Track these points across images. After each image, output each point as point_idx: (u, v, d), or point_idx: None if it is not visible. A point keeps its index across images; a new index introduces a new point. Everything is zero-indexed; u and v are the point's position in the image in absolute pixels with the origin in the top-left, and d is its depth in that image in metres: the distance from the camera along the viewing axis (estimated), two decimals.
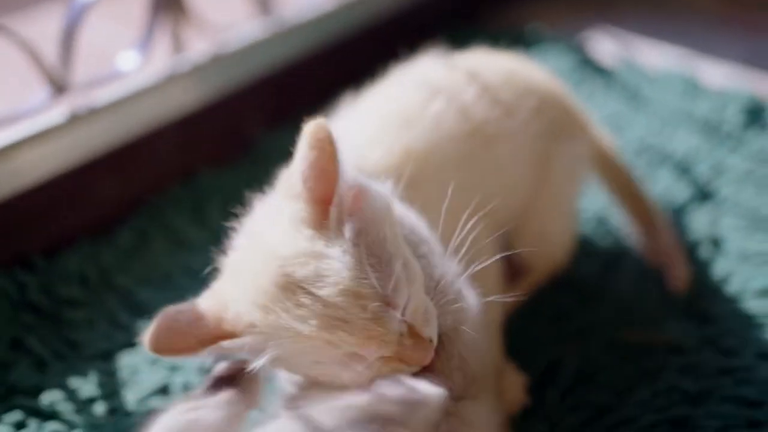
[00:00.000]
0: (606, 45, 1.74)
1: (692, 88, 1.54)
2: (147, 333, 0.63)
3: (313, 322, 0.59)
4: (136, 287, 1.08)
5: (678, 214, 1.21)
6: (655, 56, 1.68)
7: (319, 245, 0.61)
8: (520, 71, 1.00)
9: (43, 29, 1.20)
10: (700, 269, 1.10)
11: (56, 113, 1.11)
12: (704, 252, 1.13)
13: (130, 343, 0.99)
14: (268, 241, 0.63)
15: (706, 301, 1.05)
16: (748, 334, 0.99)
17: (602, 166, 1.10)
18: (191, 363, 0.95)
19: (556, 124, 0.98)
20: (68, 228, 1.13)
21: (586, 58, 1.65)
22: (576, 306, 1.04)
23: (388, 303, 0.60)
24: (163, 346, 0.62)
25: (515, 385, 0.89)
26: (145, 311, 1.04)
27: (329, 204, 0.62)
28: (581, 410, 0.90)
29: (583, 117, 1.06)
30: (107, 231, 1.17)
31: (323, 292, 0.59)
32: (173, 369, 0.95)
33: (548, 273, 1.05)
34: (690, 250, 1.13)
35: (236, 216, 0.70)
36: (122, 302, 1.06)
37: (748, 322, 1.01)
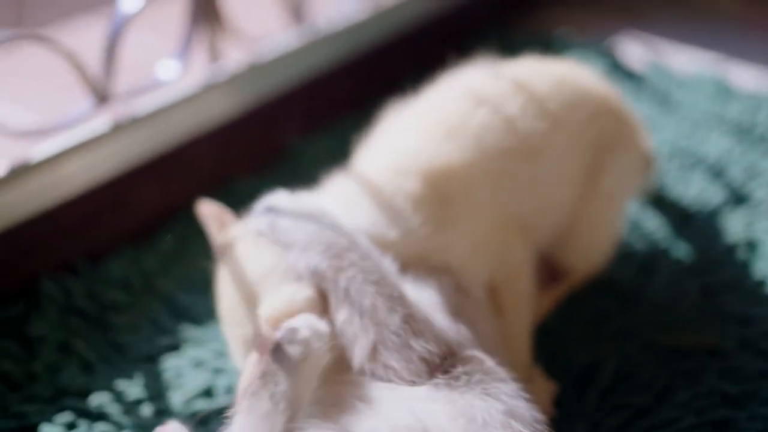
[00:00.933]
0: (634, 49, 1.74)
1: (723, 91, 1.54)
2: None
3: None
4: (177, 292, 1.10)
5: (712, 217, 1.21)
6: (683, 60, 1.68)
7: None
8: (571, 79, 0.98)
9: (84, 39, 1.23)
10: (737, 272, 1.10)
11: (99, 123, 1.14)
12: (741, 255, 1.13)
13: (173, 347, 1.01)
14: None
15: (743, 304, 1.05)
16: None
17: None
18: (235, 366, 0.97)
19: (608, 135, 0.98)
20: (111, 234, 1.16)
21: (616, 63, 1.66)
22: (613, 308, 1.05)
23: None
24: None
25: (543, 393, 0.89)
26: (187, 315, 1.06)
27: None
28: (621, 411, 0.90)
29: (636, 125, 1.05)
30: (149, 237, 1.19)
31: None
32: (217, 372, 0.97)
33: (587, 277, 1.06)
34: (726, 253, 1.13)
35: None
36: (165, 307, 1.08)
37: None
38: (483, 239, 0.87)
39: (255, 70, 1.33)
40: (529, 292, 0.92)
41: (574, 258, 1.03)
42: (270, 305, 0.75)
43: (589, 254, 1.04)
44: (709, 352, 0.98)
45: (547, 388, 0.89)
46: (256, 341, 0.70)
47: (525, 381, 0.85)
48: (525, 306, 0.91)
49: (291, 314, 0.72)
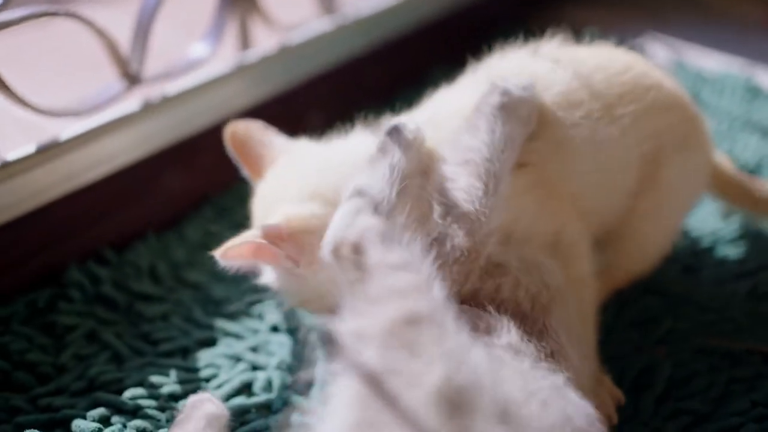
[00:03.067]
0: (658, 51, 1.72)
1: (752, 92, 1.52)
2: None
3: None
4: (209, 282, 1.05)
5: (751, 217, 1.19)
6: (707, 64, 1.66)
7: None
8: (640, 68, 0.96)
9: (116, 17, 1.18)
10: None
11: (129, 103, 1.09)
12: None
13: (208, 341, 0.97)
14: None
15: None
16: None
17: (719, 183, 1.08)
18: (273, 362, 0.93)
19: (675, 132, 0.95)
20: (138, 220, 1.11)
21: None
22: (661, 310, 1.02)
23: None
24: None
25: (609, 400, 0.85)
26: (221, 307, 1.02)
27: None
28: (680, 417, 0.87)
29: (705, 128, 1.02)
30: (175, 224, 1.14)
31: None
32: (254, 368, 0.93)
33: (637, 277, 1.03)
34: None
35: None
36: (197, 298, 1.03)
37: None
38: (535, 207, 0.84)
39: (284, 55, 1.28)
40: (590, 282, 0.88)
41: (626, 255, 1.00)
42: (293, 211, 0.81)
43: (643, 251, 1.00)
44: (764, 359, 0.95)
45: (614, 394, 0.85)
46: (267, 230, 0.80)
47: (593, 384, 0.82)
48: (586, 297, 0.87)
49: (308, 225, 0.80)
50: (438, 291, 0.63)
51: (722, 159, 1.12)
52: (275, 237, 0.79)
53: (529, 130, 0.84)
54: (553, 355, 0.76)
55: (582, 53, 0.95)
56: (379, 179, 0.75)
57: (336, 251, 0.67)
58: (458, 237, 0.75)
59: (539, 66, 0.91)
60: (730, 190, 1.09)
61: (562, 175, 0.88)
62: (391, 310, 0.59)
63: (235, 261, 0.79)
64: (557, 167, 0.87)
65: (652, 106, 0.92)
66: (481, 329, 0.72)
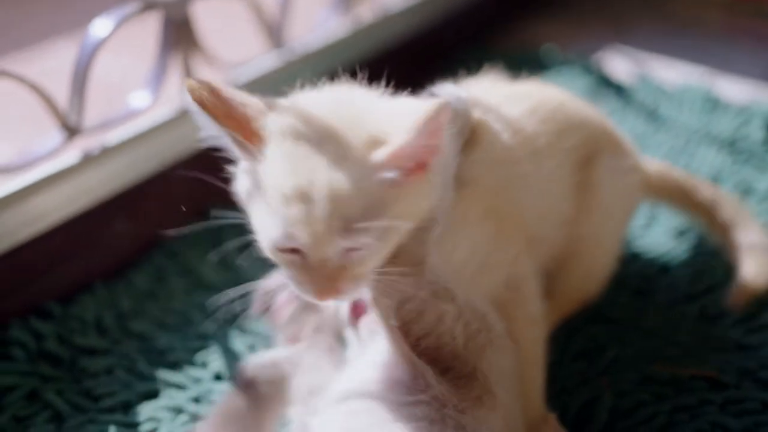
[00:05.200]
0: (620, 64, 1.71)
1: (711, 103, 1.51)
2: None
3: None
4: (154, 332, 1.05)
5: (706, 236, 1.17)
6: (670, 74, 1.65)
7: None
8: (570, 102, 0.98)
9: (50, 64, 1.18)
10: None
11: (69, 156, 1.09)
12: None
13: (150, 393, 0.96)
14: None
15: (741, 329, 1.02)
16: None
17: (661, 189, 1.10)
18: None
19: (590, 147, 0.96)
20: (83, 272, 1.11)
21: (603, 78, 1.63)
22: (607, 338, 1.01)
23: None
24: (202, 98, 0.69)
25: None
26: (165, 356, 1.01)
27: None
28: None
29: (625, 144, 1.03)
30: (122, 274, 1.14)
31: None
32: (196, 419, 0.92)
33: (582, 304, 1.02)
34: (722, 275, 1.09)
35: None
36: (141, 348, 1.03)
37: None
38: (489, 239, 0.83)
39: None
40: (541, 321, 0.87)
41: (574, 282, 1.00)
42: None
43: (590, 275, 1.00)
44: (709, 384, 0.94)
45: None
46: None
47: (537, 424, 0.81)
48: (536, 338, 0.86)
49: None
50: None
51: (660, 165, 1.14)
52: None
53: (462, 140, 0.82)
54: (481, 399, 0.76)
55: (516, 91, 0.95)
56: None
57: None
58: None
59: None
60: (671, 194, 1.12)
61: (511, 202, 0.87)
62: None
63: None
64: (506, 195, 0.86)
65: (583, 139, 0.93)
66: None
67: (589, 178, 0.95)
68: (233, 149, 0.72)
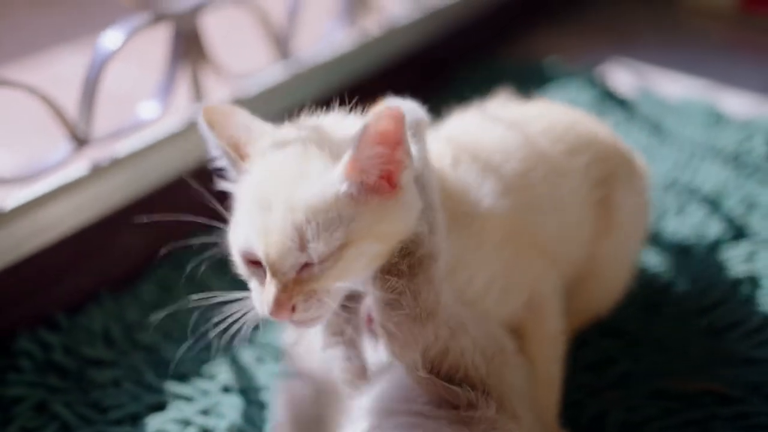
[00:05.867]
0: (623, 77, 1.72)
1: (714, 118, 1.52)
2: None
3: None
4: (162, 343, 1.05)
5: (712, 250, 1.18)
6: (673, 87, 1.66)
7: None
8: (578, 123, 0.98)
9: (57, 71, 1.18)
10: (741, 309, 1.07)
11: (77, 167, 1.09)
12: (744, 290, 1.10)
13: (158, 405, 0.96)
14: None
15: (749, 343, 1.02)
16: None
17: None
18: (223, 425, 0.92)
19: (613, 176, 0.96)
20: (92, 283, 1.11)
21: (606, 91, 1.63)
22: (618, 352, 1.01)
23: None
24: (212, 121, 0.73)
25: None
26: (173, 370, 1.01)
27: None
28: None
29: (640, 166, 1.03)
30: (130, 285, 1.14)
31: None
32: (204, 431, 0.92)
33: (595, 318, 1.03)
34: (729, 289, 1.10)
35: None
36: (149, 360, 1.03)
37: None
38: (508, 265, 0.83)
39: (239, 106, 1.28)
40: (559, 338, 0.87)
41: (591, 298, 1.00)
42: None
43: (608, 292, 1.01)
44: (718, 399, 0.94)
45: None
46: None
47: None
48: (554, 357, 0.87)
49: None
50: None
51: None
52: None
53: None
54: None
55: (527, 113, 0.96)
56: None
57: None
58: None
59: (493, 135, 0.90)
60: None
61: (530, 226, 0.87)
62: None
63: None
64: (523, 220, 0.86)
65: (595, 158, 0.93)
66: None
67: (608, 200, 0.95)
68: (229, 168, 0.76)
